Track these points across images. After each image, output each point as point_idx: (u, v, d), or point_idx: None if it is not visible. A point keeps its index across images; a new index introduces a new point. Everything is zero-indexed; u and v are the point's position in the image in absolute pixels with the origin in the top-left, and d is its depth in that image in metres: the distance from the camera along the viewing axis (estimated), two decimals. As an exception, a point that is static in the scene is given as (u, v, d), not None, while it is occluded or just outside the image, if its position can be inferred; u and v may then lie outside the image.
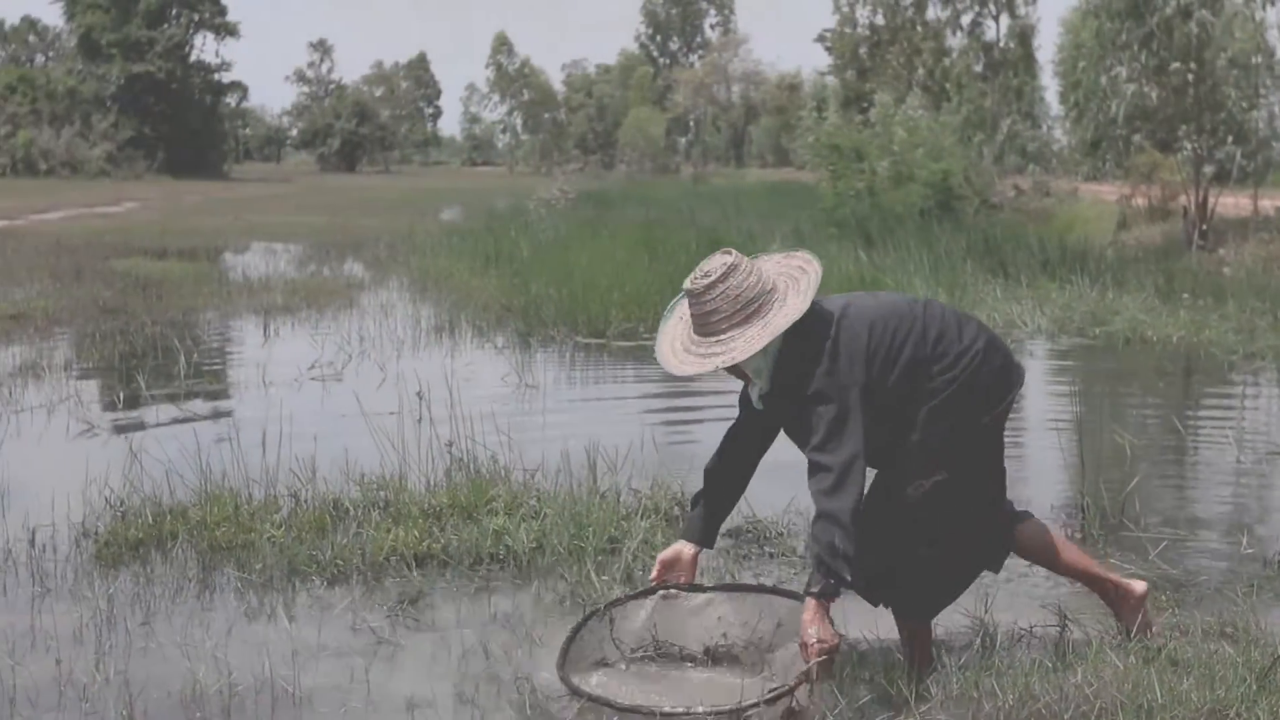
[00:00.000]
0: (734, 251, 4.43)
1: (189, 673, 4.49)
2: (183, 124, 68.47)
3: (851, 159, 25.04)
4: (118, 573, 5.62)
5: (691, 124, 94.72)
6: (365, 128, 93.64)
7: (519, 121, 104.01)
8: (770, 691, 4.17)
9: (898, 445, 4.38)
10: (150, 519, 6.06)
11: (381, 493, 6.46)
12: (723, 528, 5.44)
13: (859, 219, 21.75)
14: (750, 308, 4.31)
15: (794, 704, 4.14)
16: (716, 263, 4.37)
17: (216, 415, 9.08)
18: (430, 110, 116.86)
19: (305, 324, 13.46)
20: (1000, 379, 4.47)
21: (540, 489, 6.43)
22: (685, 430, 8.81)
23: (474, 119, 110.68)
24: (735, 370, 4.44)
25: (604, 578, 5.39)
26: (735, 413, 4.68)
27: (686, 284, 4.40)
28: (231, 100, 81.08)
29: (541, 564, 5.67)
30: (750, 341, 4.30)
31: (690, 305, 4.42)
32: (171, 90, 68.99)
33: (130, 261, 19.16)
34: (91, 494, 6.42)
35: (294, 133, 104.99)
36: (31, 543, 5.87)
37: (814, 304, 4.39)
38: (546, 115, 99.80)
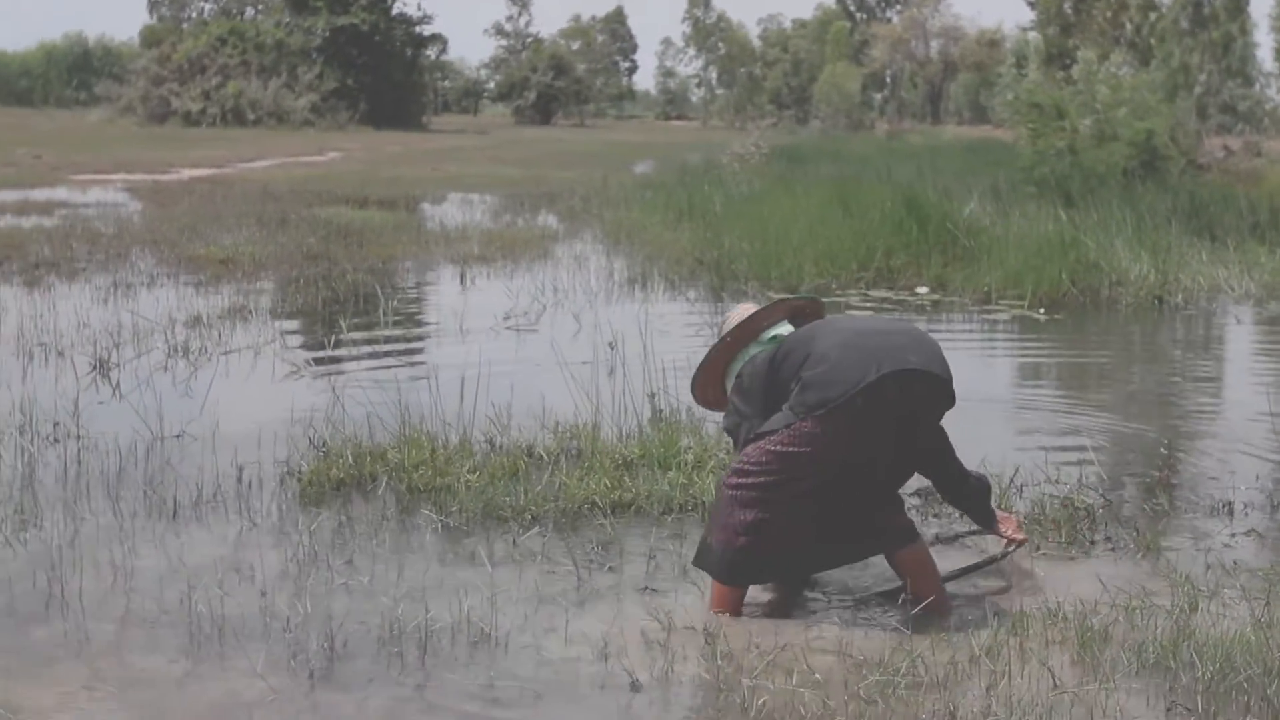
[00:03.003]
0: (738, 306, 5.24)
1: (388, 610, 4.61)
2: (384, 76, 69.61)
3: (1052, 117, 24.43)
4: (320, 511, 5.77)
5: (888, 80, 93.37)
6: (561, 81, 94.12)
7: (714, 76, 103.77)
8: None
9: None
10: (351, 460, 6.22)
11: (574, 441, 6.54)
12: (910, 486, 5.73)
13: (1059, 178, 21.22)
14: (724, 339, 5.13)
15: None
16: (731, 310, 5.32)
17: (414, 361, 9.28)
18: (626, 64, 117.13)
19: (501, 274, 13.64)
20: (841, 377, 4.55)
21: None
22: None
23: (669, 73, 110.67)
24: None
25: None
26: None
27: None
28: (431, 53, 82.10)
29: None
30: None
31: None
32: (374, 42, 70.19)
33: (332, 210, 19.60)
34: (296, 434, 6.63)
35: (491, 85, 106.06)
36: (239, 480, 6.07)
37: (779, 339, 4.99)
38: (741, 70, 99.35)
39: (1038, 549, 5.40)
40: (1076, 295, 12.44)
